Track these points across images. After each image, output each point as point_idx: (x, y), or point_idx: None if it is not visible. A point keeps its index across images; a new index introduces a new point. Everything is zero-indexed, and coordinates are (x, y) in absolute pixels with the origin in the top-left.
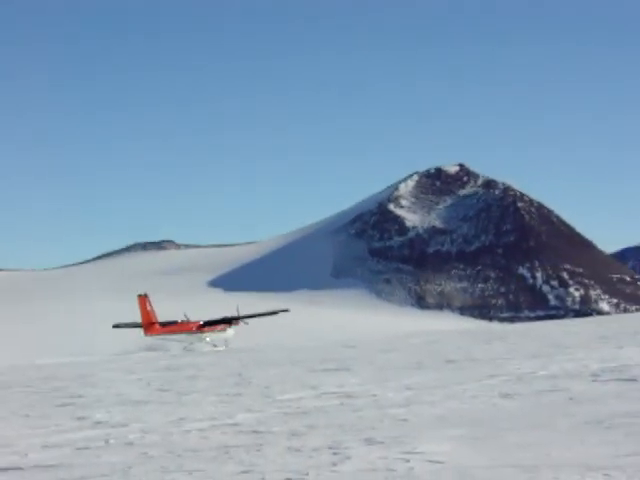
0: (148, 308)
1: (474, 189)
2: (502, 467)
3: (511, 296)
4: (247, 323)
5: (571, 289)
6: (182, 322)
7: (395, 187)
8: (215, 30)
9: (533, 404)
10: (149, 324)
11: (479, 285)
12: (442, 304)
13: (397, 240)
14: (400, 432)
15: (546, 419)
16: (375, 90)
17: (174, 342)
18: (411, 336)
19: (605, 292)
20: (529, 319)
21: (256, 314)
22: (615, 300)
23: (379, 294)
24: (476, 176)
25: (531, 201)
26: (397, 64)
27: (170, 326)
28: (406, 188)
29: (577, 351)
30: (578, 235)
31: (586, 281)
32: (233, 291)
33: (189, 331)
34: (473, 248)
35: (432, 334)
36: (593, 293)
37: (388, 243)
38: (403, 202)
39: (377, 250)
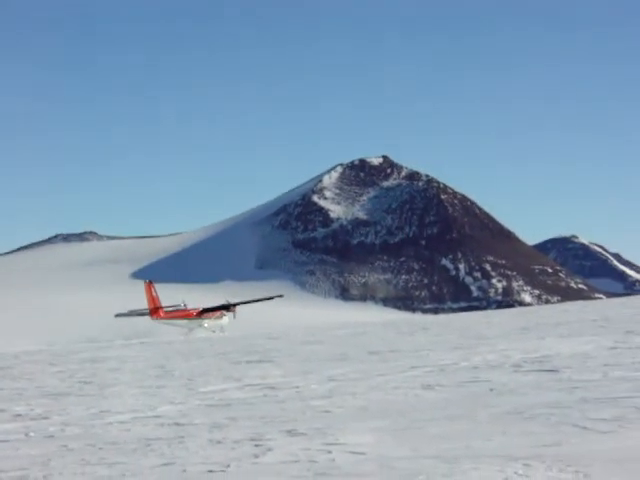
0: (154, 294)
1: (398, 181)
2: (423, 458)
3: (434, 287)
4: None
5: (493, 280)
6: (184, 308)
7: (319, 179)
8: None
9: (455, 395)
10: (155, 309)
11: (402, 276)
12: (366, 296)
13: (321, 232)
14: (322, 423)
15: (467, 410)
16: (299, 82)
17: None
18: (335, 328)
19: (527, 283)
20: (452, 310)
21: (252, 300)
22: (537, 291)
23: (303, 285)
24: (400, 168)
25: (454, 193)
26: (322, 55)
27: (173, 312)
28: (330, 180)
29: (499, 342)
30: (501, 227)
31: (508, 273)
32: (156, 282)
33: (190, 317)
34: (397, 240)
35: (356, 326)
36: (515, 284)
37: (312, 235)
38: (327, 194)
39: (301, 242)
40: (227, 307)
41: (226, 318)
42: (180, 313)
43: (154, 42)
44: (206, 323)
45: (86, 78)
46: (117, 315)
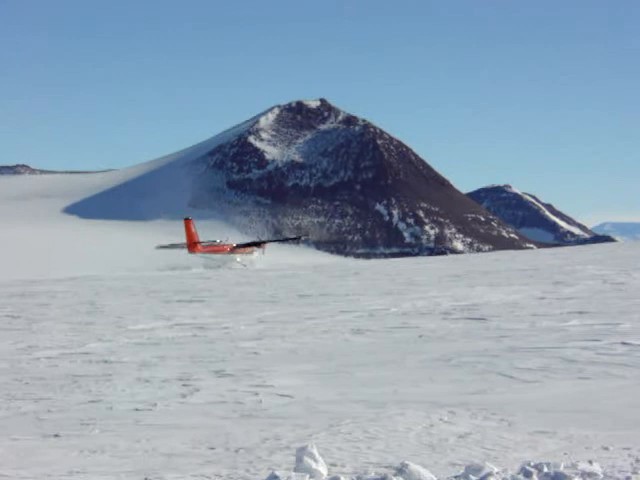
0: (192, 230)
1: (334, 124)
2: (350, 402)
3: (367, 232)
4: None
5: (426, 227)
6: (219, 244)
7: (255, 120)
8: None
9: (384, 341)
10: (193, 244)
11: (336, 221)
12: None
13: (256, 173)
14: (250, 365)
15: (396, 356)
16: (239, 24)
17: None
18: (266, 269)
19: (460, 231)
20: (384, 256)
21: (280, 239)
22: (469, 239)
23: (236, 226)
24: (337, 111)
25: (390, 139)
26: (263, 2)
27: (210, 246)
28: (267, 121)
29: (429, 289)
30: (435, 174)
31: (441, 220)
32: (89, 218)
33: (224, 252)
34: (331, 183)
35: (287, 268)
36: (448, 232)
37: (247, 176)
38: (263, 135)
39: (236, 182)
40: (258, 244)
41: (256, 253)
42: (215, 248)
43: None
44: (238, 257)
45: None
46: (158, 247)
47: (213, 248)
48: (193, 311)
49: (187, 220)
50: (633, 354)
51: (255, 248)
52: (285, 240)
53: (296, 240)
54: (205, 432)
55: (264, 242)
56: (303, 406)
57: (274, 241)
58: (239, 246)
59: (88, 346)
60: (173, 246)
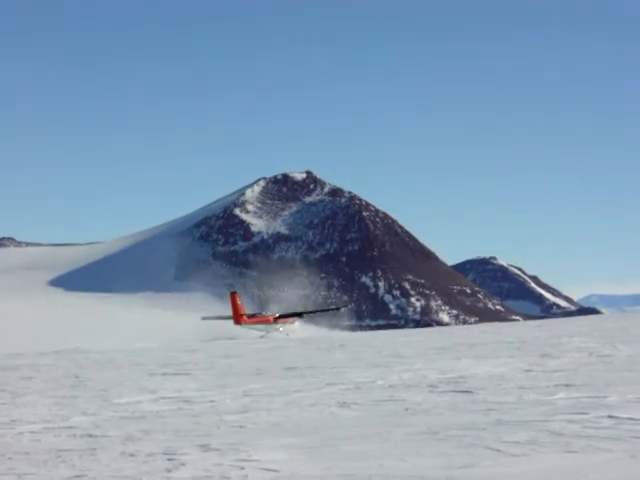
0: (239, 302)
1: (320, 197)
2: (336, 476)
3: (353, 304)
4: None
5: (412, 299)
6: (263, 315)
7: (241, 192)
8: None
9: (370, 414)
10: (239, 316)
11: (322, 293)
12: (286, 311)
13: (242, 245)
14: (236, 439)
15: (382, 429)
16: (221, 94)
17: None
18: (253, 342)
19: (445, 303)
20: (370, 328)
21: (320, 310)
22: (455, 311)
23: (222, 298)
24: (323, 184)
25: (376, 211)
26: (244, 69)
27: (254, 317)
28: (252, 193)
29: (415, 361)
30: (421, 246)
31: (427, 292)
32: (74, 291)
33: (268, 322)
34: (317, 255)
35: (274, 341)
36: (434, 304)
37: (233, 248)
38: (249, 207)
39: (221, 254)
40: (299, 314)
41: (297, 323)
42: (259, 319)
43: None
44: (280, 327)
45: None
46: (204, 318)
47: (258, 319)
48: (178, 384)
49: (233, 294)
50: (620, 427)
51: (296, 318)
52: (325, 311)
53: (336, 310)
54: None
55: (305, 313)
56: None
57: (314, 312)
58: (281, 316)
59: (72, 420)
60: (219, 317)
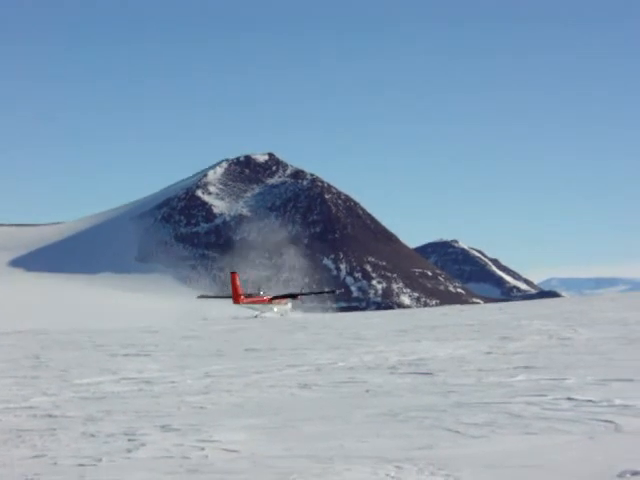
0: (238, 283)
1: (282, 178)
2: (296, 457)
3: (315, 286)
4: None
5: (374, 282)
6: (260, 295)
7: (204, 173)
8: None
9: (331, 395)
10: (238, 295)
11: (284, 274)
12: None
13: (204, 226)
14: (197, 420)
15: (342, 411)
16: (187, 77)
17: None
18: (214, 323)
19: (407, 286)
20: (332, 310)
21: (312, 292)
22: (416, 294)
23: (184, 280)
24: (285, 165)
25: (338, 193)
26: (210, 53)
27: (252, 298)
28: (215, 175)
29: (377, 343)
30: (383, 229)
31: (389, 274)
32: (35, 271)
33: (264, 302)
34: (279, 237)
35: (235, 322)
36: (395, 286)
37: (195, 229)
38: (211, 189)
39: (183, 236)
40: (294, 296)
41: (290, 304)
42: (256, 300)
43: None
44: (275, 308)
45: None
46: (200, 297)
47: (255, 299)
48: (139, 365)
49: (233, 274)
50: (578, 409)
51: (290, 300)
52: (318, 293)
53: (329, 293)
54: None
55: (299, 294)
56: (249, 461)
57: (308, 294)
58: (276, 297)
59: (33, 400)
60: (217, 297)
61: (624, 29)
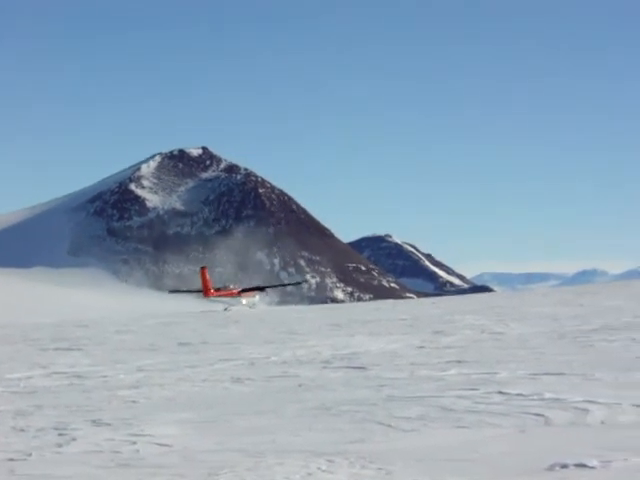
0: (208, 277)
1: (216, 173)
2: (228, 451)
3: (248, 281)
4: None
5: (307, 276)
6: (230, 289)
7: (137, 167)
8: None
9: (264, 390)
10: (208, 289)
11: (217, 269)
12: (180, 287)
13: (137, 220)
14: (129, 414)
15: (275, 405)
16: (121, 69)
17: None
18: (146, 318)
19: (341, 280)
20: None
21: (279, 284)
22: (350, 289)
23: (116, 274)
24: (219, 160)
25: (272, 187)
26: (143, 45)
27: (221, 291)
28: (148, 168)
29: (309, 338)
30: (317, 223)
31: (322, 269)
32: None
33: (233, 295)
34: (213, 232)
35: (168, 316)
36: (329, 281)
37: (127, 223)
38: (144, 182)
39: (116, 230)
40: (261, 288)
41: (258, 297)
42: (226, 292)
43: None
44: (244, 300)
45: None
46: (171, 291)
47: (224, 293)
48: (71, 359)
49: (203, 268)
50: (509, 403)
51: (258, 292)
52: (285, 285)
53: (297, 285)
54: None
55: (266, 287)
56: (181, 455)
57: (275, 286)
58: (245, 290)
59: None
60: (188, 291)
61: (624, 29)
